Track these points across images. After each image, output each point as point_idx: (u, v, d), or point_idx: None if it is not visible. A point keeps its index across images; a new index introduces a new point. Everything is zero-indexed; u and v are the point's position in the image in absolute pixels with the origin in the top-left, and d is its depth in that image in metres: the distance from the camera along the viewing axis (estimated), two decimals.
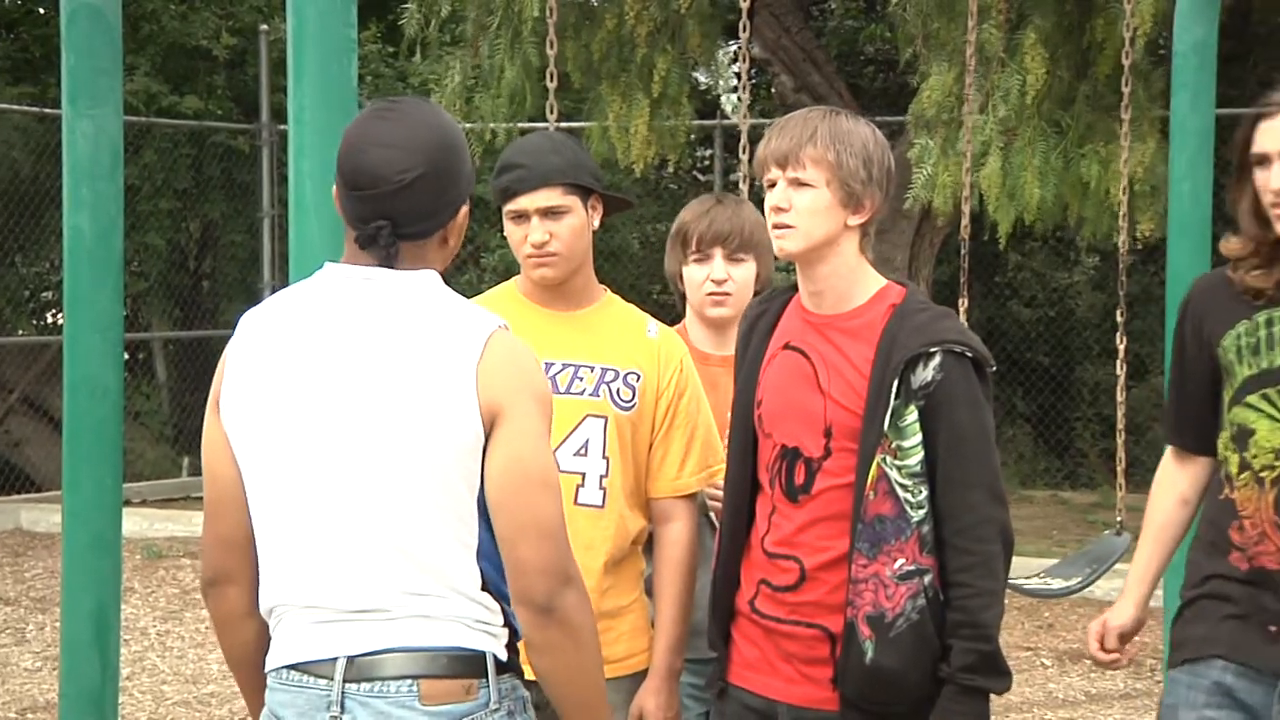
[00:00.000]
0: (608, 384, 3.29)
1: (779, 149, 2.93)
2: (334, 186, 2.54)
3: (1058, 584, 5.34)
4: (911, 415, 2.84)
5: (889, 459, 2.85)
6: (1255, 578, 2.96)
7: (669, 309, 4.15)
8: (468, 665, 2.45)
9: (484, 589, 2.47)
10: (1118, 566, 5.11)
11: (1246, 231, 3.03)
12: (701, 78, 11.97)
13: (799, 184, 2.92)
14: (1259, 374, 3.00)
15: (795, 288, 3.07)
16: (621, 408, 3.28)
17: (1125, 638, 3.22)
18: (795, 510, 2.95)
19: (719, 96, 13.82)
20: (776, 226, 2.95)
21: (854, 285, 2.97)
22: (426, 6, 9.53)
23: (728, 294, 3.65)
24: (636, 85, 9.61)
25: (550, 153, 3.29)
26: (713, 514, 3.47)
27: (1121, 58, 5.69)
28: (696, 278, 3.66)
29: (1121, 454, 5.58)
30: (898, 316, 2.91)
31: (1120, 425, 5.57)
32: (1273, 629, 2.93)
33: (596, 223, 3.32)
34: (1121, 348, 5.49)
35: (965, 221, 5.77)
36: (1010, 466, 12.26)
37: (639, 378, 3.31)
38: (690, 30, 9.66)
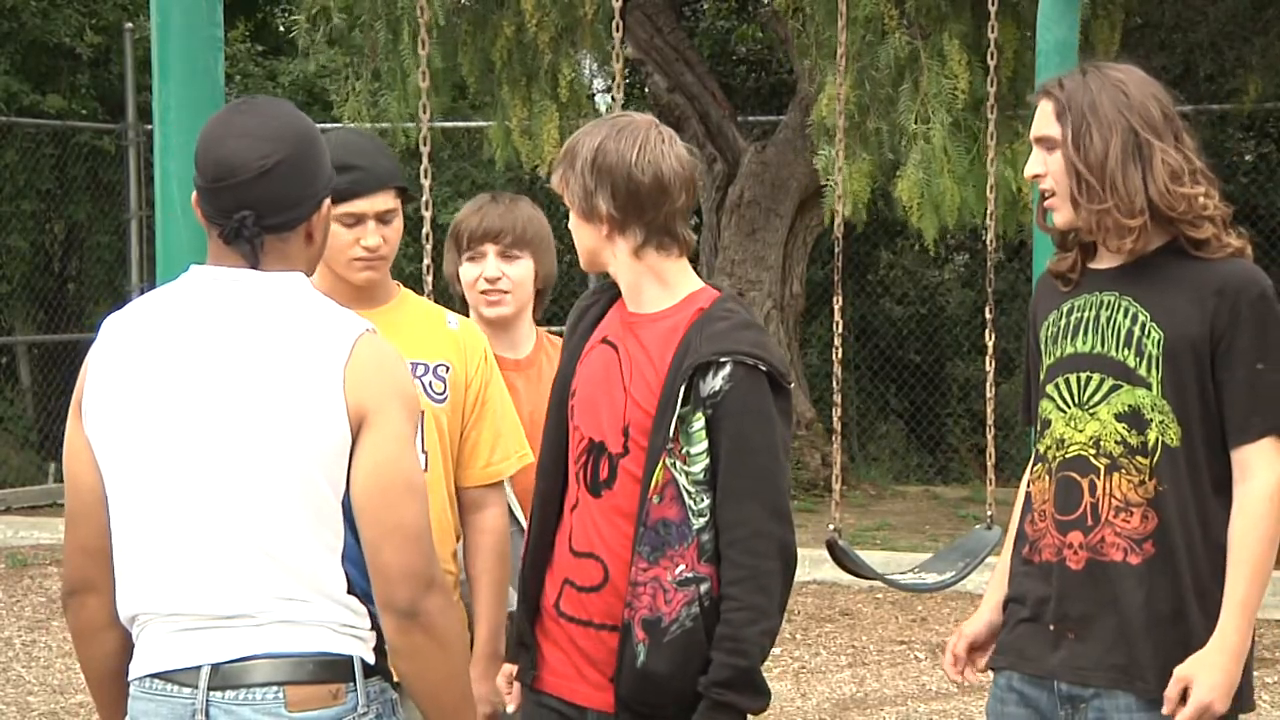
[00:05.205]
0: (419, 378, 3.23)
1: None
2: (193, 192, 2.50)
3: (931, 578, 5.38)
4: (699, 422, 2.84)
5: (679, 464, 2.85)
6: (1039, 571, 2.92)
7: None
8: (334, 670, 2.43)
9: (350, 592, 2.46)
10: (989, 560, 5.18)
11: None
12: (597, 82, 11.96)
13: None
14: (1054, 363, 2.93)
15: None
16: (435, 400, 3.25)
17: (979, 644, 3.08)
18: (596, 504, 2.95)
19: (593, 97, 13.82)
20: None
21: (651, 287, 2.95)
22: (315, 11, 9.45)
23: (504, 292, 3.62)
24: (543, 90, 9.58)
25: (380, 155, 3.25)
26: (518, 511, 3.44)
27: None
28: (469, 276, 3.62)
29: (991, 449, 5.65)
30: (700, 322, 2.90)
31: (990, 421, 5.64)
32: (1052, 627, 2.89)
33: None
34: (990, 344, 5.56)
35: (839, 221, 5.82)
36: (884, 462, 12.39)
37: (448, 369, 3.28)
38: (585, 33, 9.65)
